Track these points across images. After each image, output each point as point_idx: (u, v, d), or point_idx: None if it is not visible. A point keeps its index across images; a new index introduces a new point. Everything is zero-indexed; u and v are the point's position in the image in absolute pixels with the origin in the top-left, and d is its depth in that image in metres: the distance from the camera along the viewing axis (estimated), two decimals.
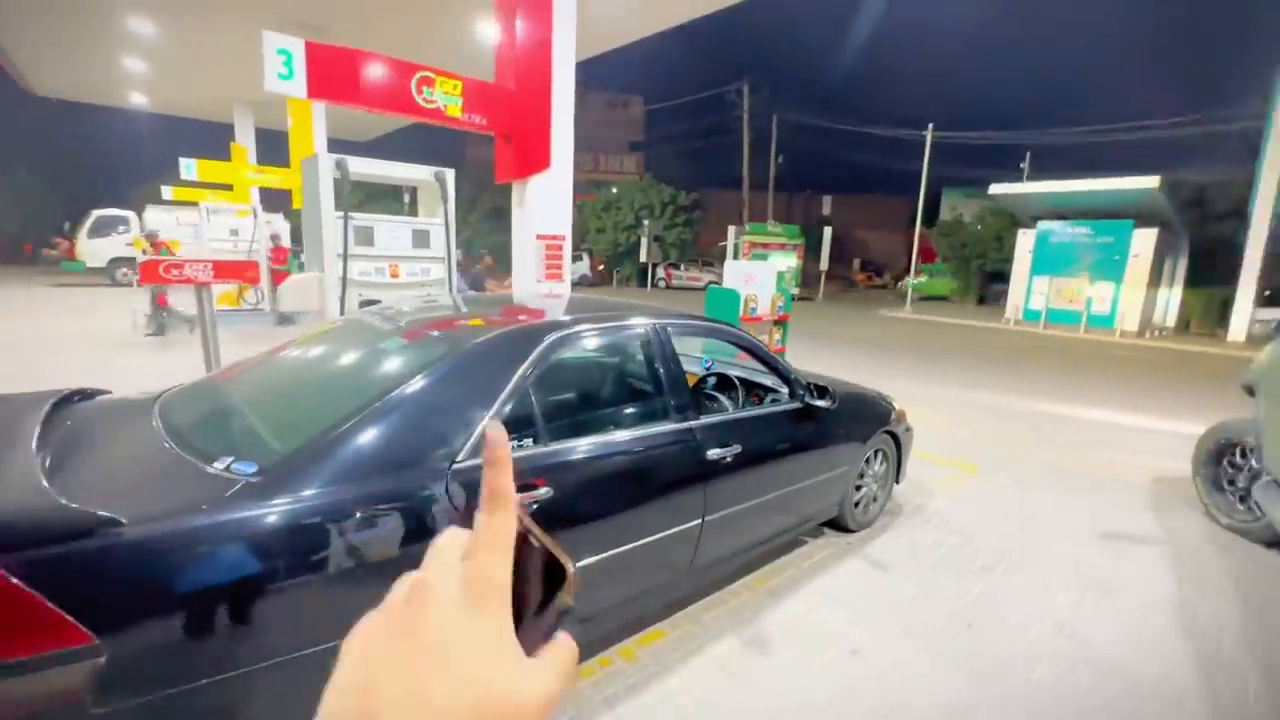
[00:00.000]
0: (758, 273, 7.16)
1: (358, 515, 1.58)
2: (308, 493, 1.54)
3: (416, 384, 1.81)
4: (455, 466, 1.76)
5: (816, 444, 3.05)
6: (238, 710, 1.43)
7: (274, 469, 1.56)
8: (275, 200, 14.87)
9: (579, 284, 24.82)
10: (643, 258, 27.24)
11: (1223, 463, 4.03)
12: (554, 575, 0.32)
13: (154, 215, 18.02)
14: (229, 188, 15.78)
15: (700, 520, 2.44)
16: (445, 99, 4.35)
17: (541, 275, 5.12)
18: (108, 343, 8.67)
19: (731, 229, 26.17)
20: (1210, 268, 16.56)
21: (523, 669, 0.29)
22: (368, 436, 1.68)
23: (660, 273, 27.79)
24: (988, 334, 15.26)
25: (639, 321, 2.47)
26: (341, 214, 3.85)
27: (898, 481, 3.87)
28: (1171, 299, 16.62)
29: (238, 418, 1.99)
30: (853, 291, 31.74)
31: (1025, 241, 17.05)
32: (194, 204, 16.62)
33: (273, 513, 1.48)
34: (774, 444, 2.81)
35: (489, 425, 0.33)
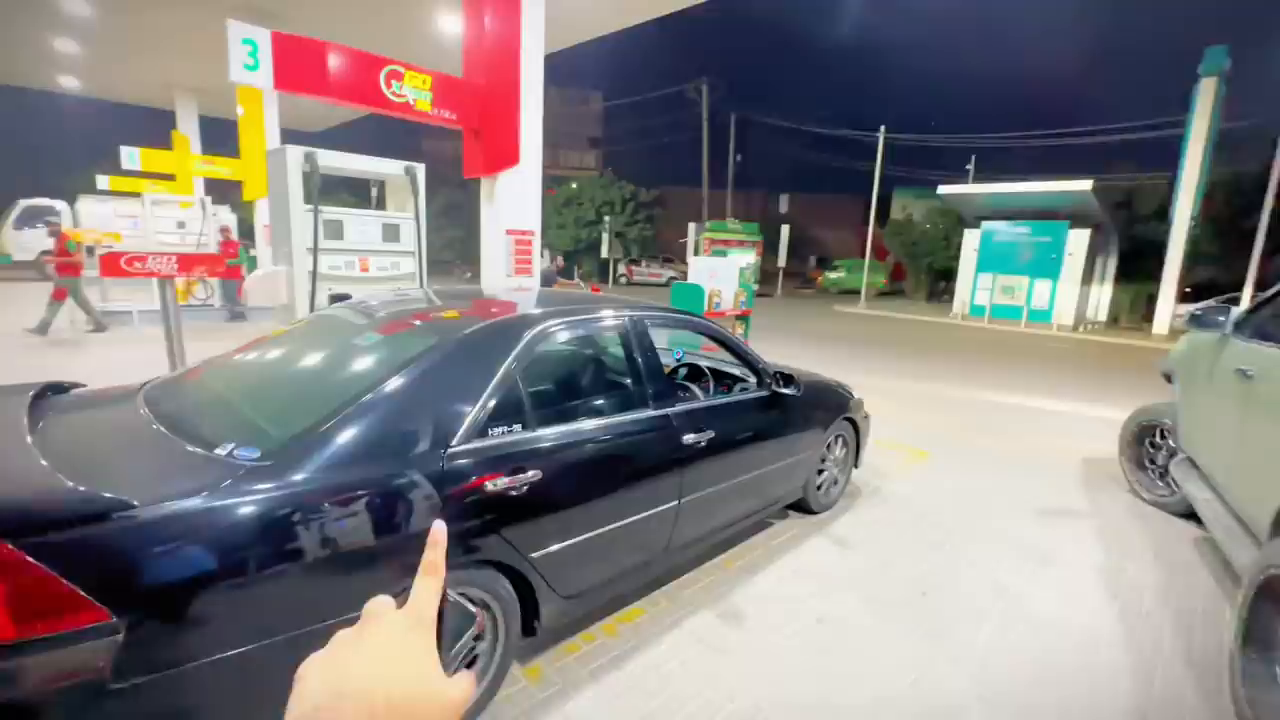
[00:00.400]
0: (721, 269, 7.37)
1: (358, 497, 1.65)
2: (310, 476, 1.60)
3: (409, 374, 1.89)
4: (449, 451, 1.85)
5: (783, 430, 3.24)
6: (252, 685, 1.49)
7: (276, 454, 1.61)
8: (219, 191, 14.31)
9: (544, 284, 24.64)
10: (604, 254, 27.27)
11: (1144, 444, 4.42)
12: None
13: (88, 206, 17.08)
14: (171, 178, 15.10)
15: (677, 502, 2.58)
16: (415, 93, 4.35)
17: (511, 270, 5.17)
18: (47, 340, 8.25)
19: (692, 226, 26.42)
20: (1137, 266, 17.73)
21: (444, 677, 0.40)
22: (364, 424, 1.74)
23: (621, 269, 27.90)
24: (937, 328, 15.95)
25: (618, 314, 2.58)
26: (311, 207, 3.83)
27: (856, 466, 4.11)
28: (1103, 295, 17.71)
29: (230, 407, 2.02)
30: (808, 289, 32.50)
31: (971, 240, 17.89)
32: (134, 195, 15.88)
33: (278, 495, 1.54)
34: (744, 430, 2.97)
35: (435, 525, 0.45)
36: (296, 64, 3.85)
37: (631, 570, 2.51)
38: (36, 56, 14.27)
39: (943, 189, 18.07)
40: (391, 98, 4.27)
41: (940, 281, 25.75)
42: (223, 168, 10.86)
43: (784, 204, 42.18)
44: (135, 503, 1.37)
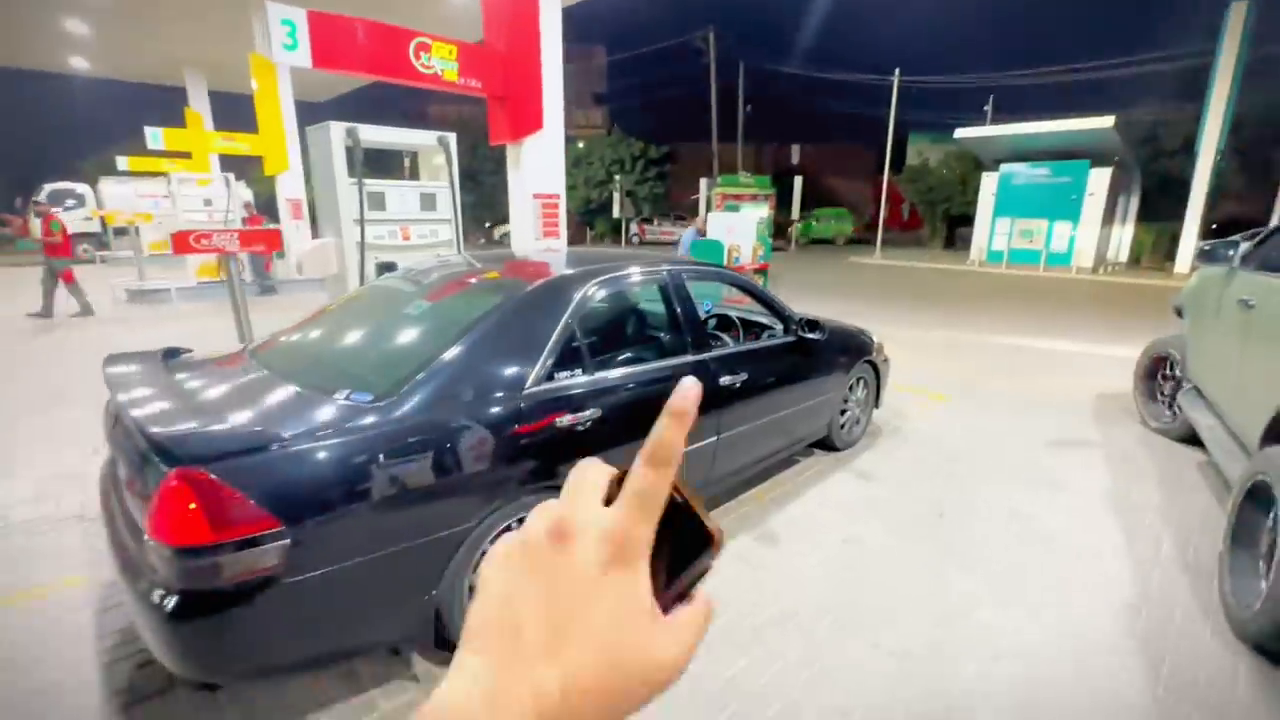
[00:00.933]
0: (738, 224, 7.50)
1: (453, 431, 1.94)
2: (414, 414, 1.89)
3: (486, 327, 2.15)
4: (525, 392, 2.13)
5: (808, 373, 3.48)
6: (383, 583, 1.82)
7: (384, 397, 1.90)
8: (235, 167, 14.46)
9: None
10: (616, 214, 27.15)
11: (1156, 376, 4.61)
12: (698, 537, 0.30)
13: (109, 188, 17.41)
14: (187, 156, 15.27)
15: (715, 439, 2.86)
16: (442, 64, 4.50)
17: (539, 233, 5.38)
18: (92, 320, 8.66)
19: (703, 181, 26.15)
20: (1160, 204, 17.39)
21: (656, 631, 0.28)
22: (453, 371, 2.02)
23: (634, 228, 27.80)
24: (953, 276, 15.91)
25: (658, 269, 2.82)
26: (355, 181, 4.05)
27: (877, 406, 4.36)
28: (1124, 235, 17.44)
29: (330, 360, 2.31)
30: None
31: (989, 184, 17.60)
32: (154, 175, 16.11)
33: (390, 429, 1.83)
34: (773, 373, 3.22)
35: (688, 380, 0.30)
36: (332, 41, 4.01)
37: None
38: (46, 38, 14.35)
39: (959, 132, 17.68)
40: (421, 69, 4.42)
41: (956, 228, 25.38)
42: (243, 144, 10.99)
43: (795, 155, 41.40)
44: (287, 435, 1.67)
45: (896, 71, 19.53)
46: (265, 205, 16.00)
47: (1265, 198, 14.61)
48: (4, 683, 2.06)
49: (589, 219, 29.46)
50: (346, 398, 1.91)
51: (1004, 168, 17.17)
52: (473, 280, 2.71)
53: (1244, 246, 3.54)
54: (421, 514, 1.86)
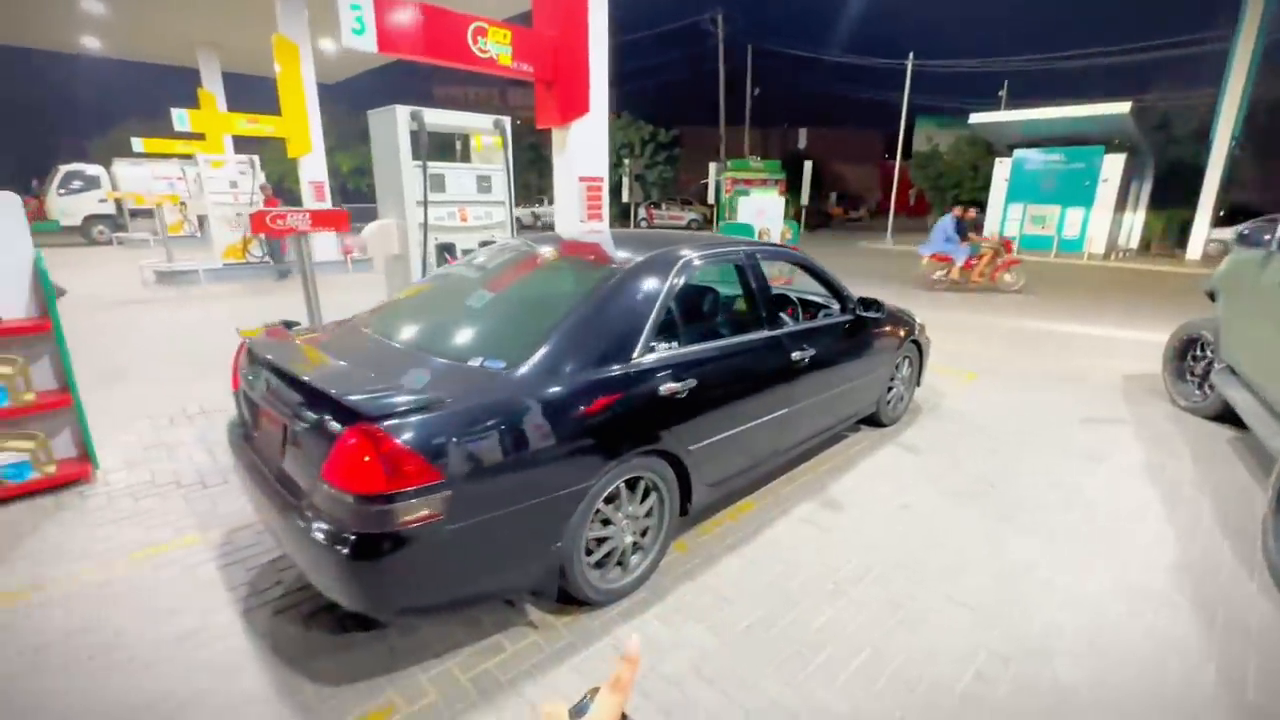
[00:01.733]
0: (769, 207, 7.62)
1: (583, 392, 2.10)
2: (544, 379, 2.05)
3: (596, 301, 2.31)
4: (633, 362, 2.29)
5: (865, 350, 3.65)
6: (520, 533, 1.99)
7: (516, 365, 2.06)
8: (245, 149, 14.47)
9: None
10: (625, 198, 27.12)
11: (1186, 357, 4.77)
12: None
13: (124, 169, 17.40)
14: (201, 137, 15.27)
15: (786, 410, 3.03)
16: (497, 49, 4.60)
17: (584, 215, 5.51)
18: (132, 298, 8.80)
19: (712, 165, 26.09)
20: (1171, 190, 17.43)
21: None
22: (572, 342, 2.18)
23: (642, 212, 27.79)
24: None
25: (735, 248, 2.97)
26: (419, 163, 4.18)
27: (918, 384, 4.52)
28: (1135, 222, 17.52)
29: (455, 331, 2.47)
30: (829, 225, 32.14)
31: (1002, 170, 17.62)
32: (170, 157, 16.11)
33: (526, 393, 2.00)
34: (836, 349, 3.39)
35: (632, 640, 0.48)
36: (397, 26, 4.10)
37: (751, 467, 2.99)
38: (61, 17, 14.29)
39: (975, 117, 17.68)
40: (478, 54, 4.52)
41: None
42: (267, 125, 11.04)
43: (802, 139, 41.14)
44: (448, 399, 1.83)
45: (910, 56, 19.44)
46: (276, 188, 16.02)
47: (1277, 185, 14.67)
48: (150, 630, 2.25)
49: None
50: (481, 365, 2.07)
51: (1017, 153, 17.20)
52: (570, 259, 2.86)
53: None
54: (550, 472, 2.03)
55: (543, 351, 2.10)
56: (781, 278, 3.69)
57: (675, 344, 2.49)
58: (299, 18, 10.74)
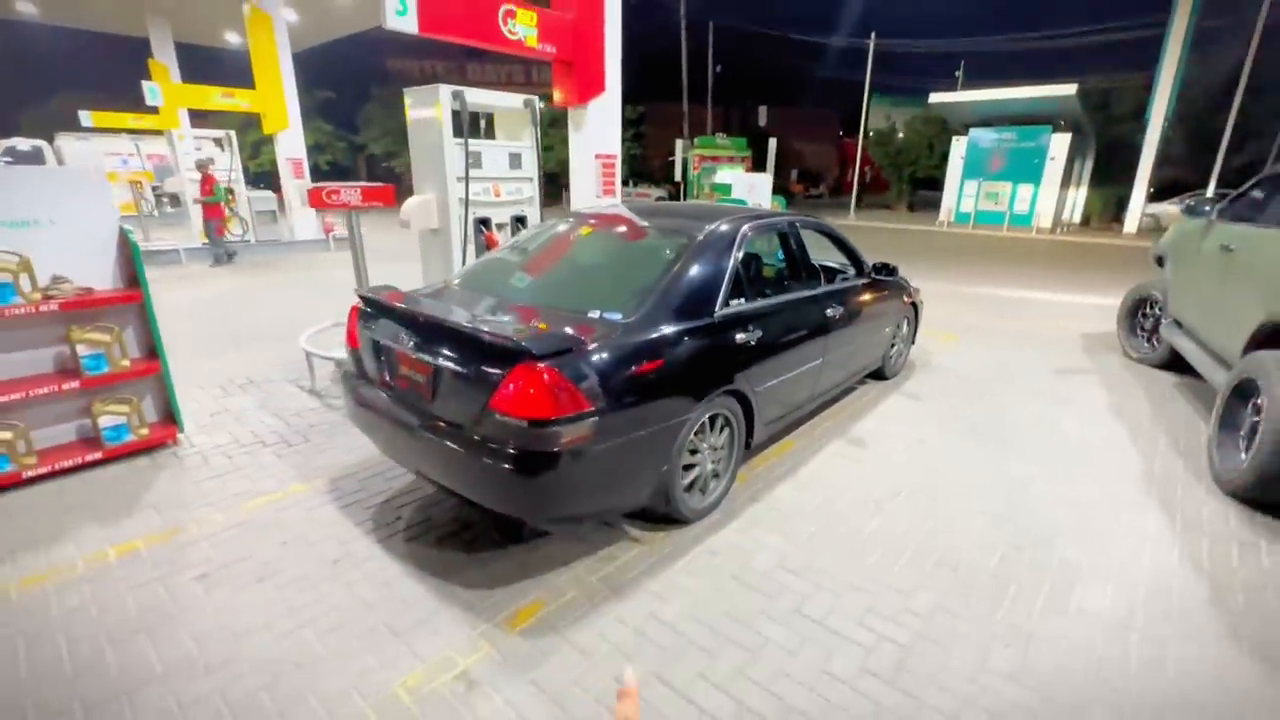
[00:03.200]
0: (759, 183, 8.05)
1: (682, 340, 2.49)
2: (654, 327, 2.43)
3: (684, 261, 2.68)
4: (716, 315, 2.69)
5: (878, 309, 4.13)
6: (641, 456, 2.38)
7: (629, 316, 2.43)
8: (207, 123, 13.99)
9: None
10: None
11: (1137, 315, 5.47)
12: None
13: (69, 145, 16.49)
14: (155, 112, 14.65)
15: (821, 360, 3.49)
16: (524, 30, 4.83)
17: (600, 191, 5.81)
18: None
19: (679, 142, 26.33)
20: (1110, 168, 18.69)
21: None
22: (671, 297, 2.56)
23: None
24: (927, 235, 16.89)
25: (778, 219, 3.38)
26: (461, 141, 4.40)
27: (913, 342, 5.07)
28: (1078, 198, 18.74)
29: (563, 287, 2.82)
30: (792, 202, 32.91)
31: (958, 148, 18.52)
32: (127, 132, 15.36)
33: (642, 339, 2.37)
34: (859, 306, 3.85)
35: (628, 674, 0.46)
36: (436, 8, 4.29)
37: (795, 408, 3.44)
38: None
39: (933, 97, 18.47)
40: (508, 35, 4.73)
41: (918, 191, 26.42)
42: (242, 100, 10.76)
43: (762, 116, 41.61)
44: (588, 343, 2.20)
45: (872, 36, 20.05)
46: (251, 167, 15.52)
47: (1204, 163, 15.96)
48: (299, 558, 2.55)
49: (567, 181, 29.27)
50: (600, 316, 2.43)
51: (972, 132, 18.10)
52: (647, 225, 3.22)
53: (1221, 203, 4.33)
54: (662, 404, 2.42)
55: (650, 305, 2.47)
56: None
57: (742, 300, 2.89)
58: None
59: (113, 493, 3.02)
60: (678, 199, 25.78)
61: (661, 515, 2.71)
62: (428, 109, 4.38)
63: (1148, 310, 5.37)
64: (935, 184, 23.77)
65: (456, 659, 2.02)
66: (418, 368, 2.41)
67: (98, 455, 3.20)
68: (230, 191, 10.51)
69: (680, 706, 1.85)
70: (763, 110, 41.42)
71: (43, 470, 3.04)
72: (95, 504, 2.91)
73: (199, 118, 15.45)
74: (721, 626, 2.18)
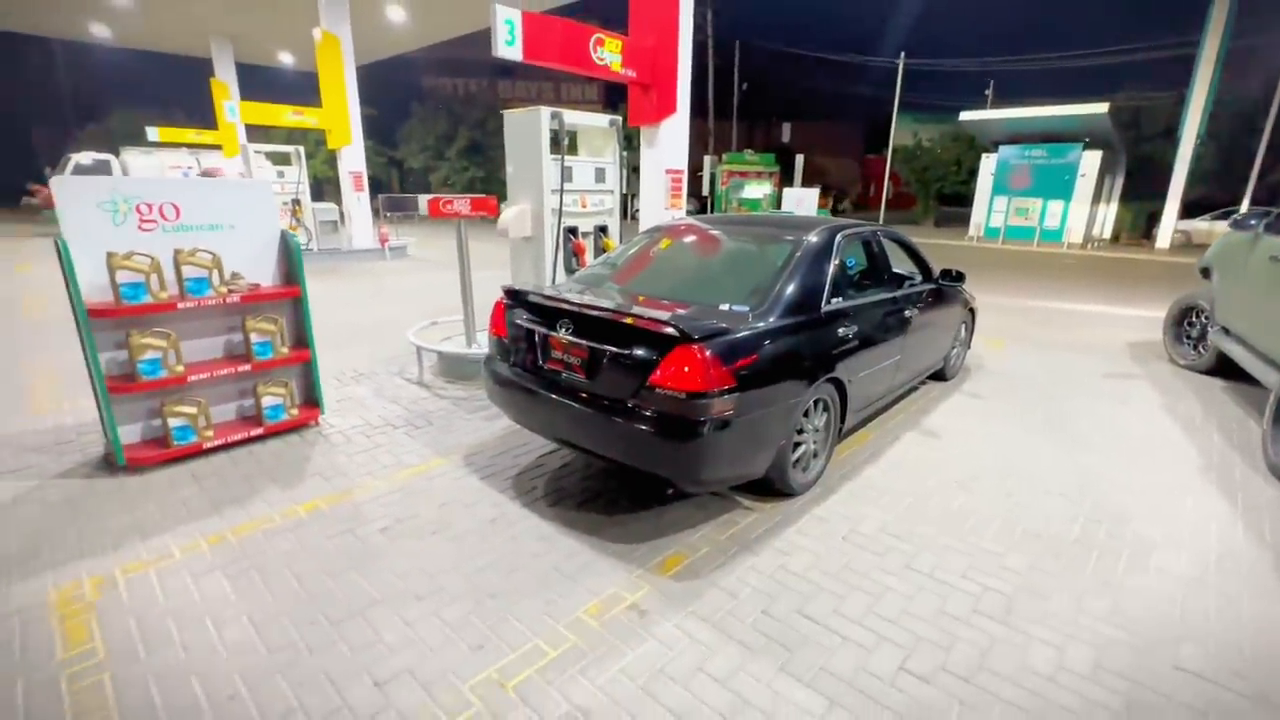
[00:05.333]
0: (805, 198, 8.43)
1: (795, 330, 2.86)
2: (776, 319, 2.80)
3: (797, 262, 3.06)
4: (823, 310, 3.06)
5: (945, 312, 4.47)
6: (767, 430, 2.74)
7: (755, 309, 2.80)
8: (261, 138, 14.74)
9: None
10: (621, 189, 27.70)
11: (1183, 323, 5.73)
12: None
13: (134, 159, 17.38)
14: (214, 128, 15.46)
15: (899, 357, 3.83)
16: (610, 57, 5.28)
17: (668, 204, 6.23)
18: None
19: (707, 158, 26.95)
20: (1140, 184, 18.82)
21: None
22: (789, 293, 2.93)
23: (637, 203, 28.40)
24: (957, 250, 17.11)
25: (866, 227, 3.75)
26: (558, 158, 4.84)
27: (968, 346, 5.38)
28: (1109, 214, 18.86)
29: (690, 284, 3.22)
30: None
31: (987, 165, 18.78)
32: (188, 146, 16.21)
33: (766, 328, 2.74)
34: (929, 309, 4.19)
35: None
36: (538, 38, 4.75)
37: (877, 399, 3.79)
38: (74, 5, 14.30)
39: (963, 115, 18.78)
40: (597, 62, 5.19)
41: (943, 207, 26.63)
42: (310, 117, 11.43)
43: (786, 132, 42.19)
44: (728, 329, 2.57)
45: (901, 56, 20.44)
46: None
47: (1235, 180, 16.06)
48: (460, 517, 2.93)
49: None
50: (729, 309, 2.81)
51: (1002, 149, 18.35)
52: (747, 232, 3.62)
53: (1268, 219, 4.62)
54: (784, 385, 2.78)
55: (772, 299, 2.85)
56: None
57: (840, 299, 3.25)
58: (341, 11, 11.14)
59: (280, 463, 3.44)
60: (708, 211, 26.28)
61: (771, 489, 3.05)
62: (529, 129, 4.83)
63: (1194, 319, 5.63)
64: (961, 200, 24.02)
65: (623, 595, 2.38)
66: (573, 351, 2.80)
67: (259, 431, 3.63)
68: (297, 203, 11.15)
69: (824, 635, 2.19)
70: (787, 126, 42.10)
71: (218, 442, 3.47)
72: (269, 471, 3.34)
73: (252, 133, 16.27)
74: (844, 576, 2.52)
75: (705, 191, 26.80)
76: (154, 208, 3.22)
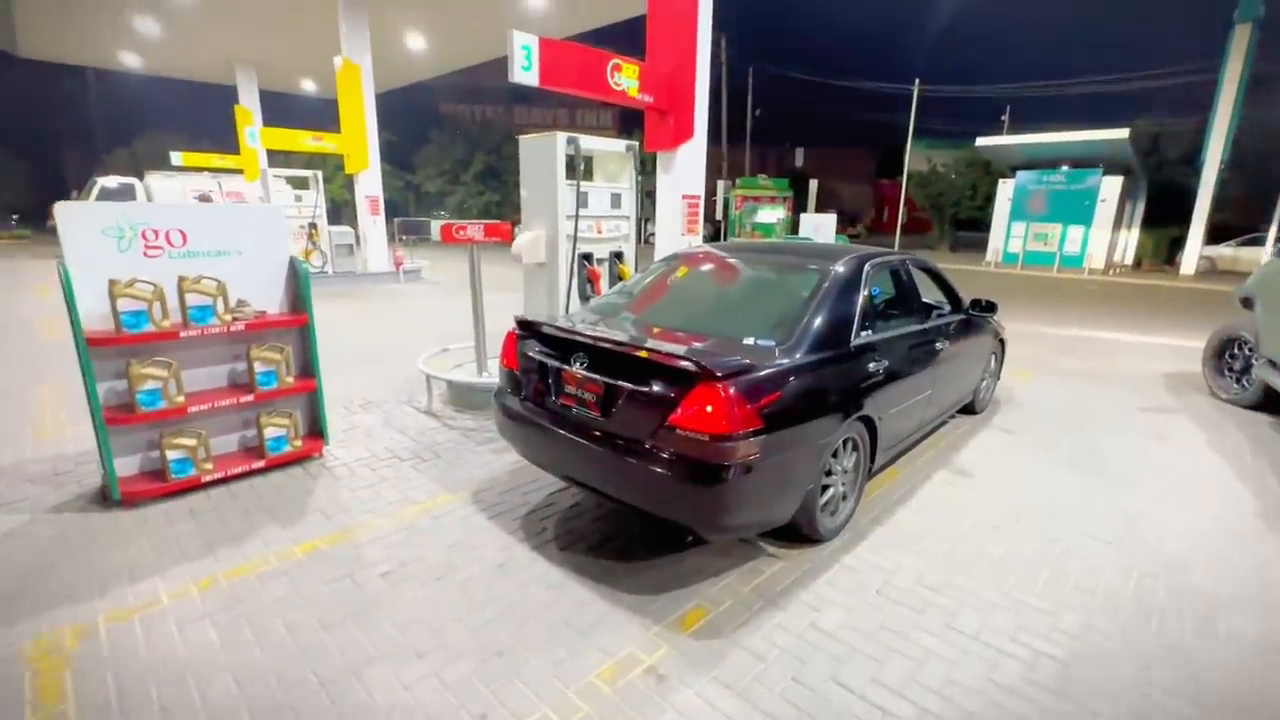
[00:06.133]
0: (823, 224, 8.31)
1: (824, 366, 2.69)
2: (803, 354, 2.63)
3: (824, 293, 2.90)
4: (853, 344, 2.88)
5: (975, 343, 4.27)
6: (794, 474, 2.56)
7: (783, 343, 2.64)
8: (281, 163, 14.99)
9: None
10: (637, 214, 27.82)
11: (1224, 355, 5.47)
12: None
13: (158, 183, 17.72)
14: (236, 152, 15.72)
15: (930, 391, 3.64)
16: (628, 82, 5.22)
17: (684, 230, 6.12)
18: None
19: (721, 183, 27.07)
20: (1162, 210, 18.53)
21: None
22: (817, 326, 2.76)
23: (651, 228, 28.54)
24: (974, 276, 16.87)
25: (894, 256, 3.59)
26: (573, 182, 4.75)
27: (998, 378, 5.16)
28: (1130, 240, 18.56)
29: (714, 316, 3.06)
30: None
31: (1005, 190, 18.61)
32: (209, 170, 16.50)
33: (793, 363, 2.57)
34: (960, 341, 4.00)
35: None
36: (555, 63, 4.70)
37: (907, 435, 3.58)
38: (107, 35, 14.72)
39: (980, 141, 18.69)
40: (614, 86, 5.13)
41: (959, 232, 26.42)
42: (329, 142, 11.57)
43: (799, 158, 42.40)
44: (755, 365, 2.41)
45: (915, 83, 20.49)
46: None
47: (1261, 206, 15.74)
48: (468, 561, 2.76)
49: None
50: (754, 343, 2.65)
51: (1020, 175, 18.20)
52: (770, 261, 3.47)
53: None
54: (813, 425, 2.60)
55: (799, 333, 2.69)
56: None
57: (870, 332, 3.08)
58: (362, 40, 11.33)
59: (281, 498, 3.30)
60: (718, 238, 26.29)
61: (799, 534, 2.85)
62: (544, 153, 4.75)
63: (1236, 350, 5.37)
64: (977, 225, 23.83)
65: (640, 655, 2.19)
66: (588, 386, 2.64)
67: (261, 464, 3.50)
68: (313, 226, 11.22)
69: (862, 708, 1.98)
70: (800, 151, 42.32)
71: (217, 475, 3.34)
72: (269, 507, 3.19)
73: (273, 158, 16.55)
74: (880, 637, 2.31)
75: (719, 216, 26.86)
76: (160, 234, 3.15)
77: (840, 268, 3.07)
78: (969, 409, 4.78)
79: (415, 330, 7.83)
